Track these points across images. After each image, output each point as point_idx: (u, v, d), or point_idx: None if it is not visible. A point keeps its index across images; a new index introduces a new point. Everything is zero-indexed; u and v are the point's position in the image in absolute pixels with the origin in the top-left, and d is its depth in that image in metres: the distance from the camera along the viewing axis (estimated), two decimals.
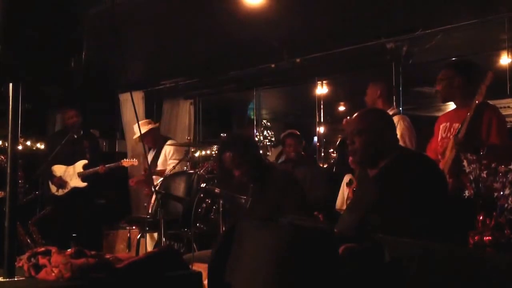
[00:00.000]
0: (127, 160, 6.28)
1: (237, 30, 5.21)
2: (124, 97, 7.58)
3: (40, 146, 6.92)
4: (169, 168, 5.56)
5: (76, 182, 5.93)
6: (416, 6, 4.68)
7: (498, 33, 5.11)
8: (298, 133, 5.53)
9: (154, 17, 5.08)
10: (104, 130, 7.75)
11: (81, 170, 5.95)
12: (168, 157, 5.79)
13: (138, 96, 7.47)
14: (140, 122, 5.96)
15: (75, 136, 5.94)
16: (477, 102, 3.10)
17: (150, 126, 5.99)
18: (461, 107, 3.42)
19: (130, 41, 5.82)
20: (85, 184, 5.93)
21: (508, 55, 6.01)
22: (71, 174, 5.95)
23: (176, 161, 5.60)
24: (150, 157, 5.98)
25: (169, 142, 5.95)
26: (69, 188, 5.93)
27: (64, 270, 2.01)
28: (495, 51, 5.83)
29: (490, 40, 5.36)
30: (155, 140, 5.98)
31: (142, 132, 5.73)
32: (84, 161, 5.96)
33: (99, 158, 6.17)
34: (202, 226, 3.87)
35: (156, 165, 5.84)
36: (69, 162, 5.98)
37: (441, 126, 3.56)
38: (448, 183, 2.98)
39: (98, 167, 5.88)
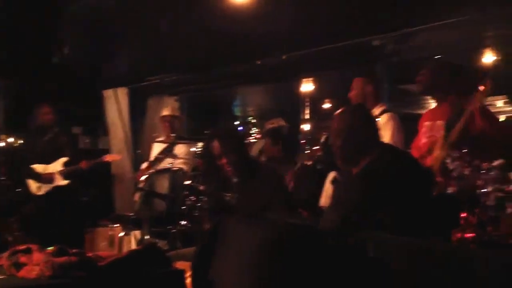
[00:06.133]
0: (110, 155, 6.23)
1: (223, 27, 5.18)
2: (108, 94, 7.50)
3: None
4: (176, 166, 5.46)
5: (57, 180, 5.87)
6: (402, 3, 4.70)
7: (483, 31, 5.15)
8: (282, 122, 5.47)
9: (139, 13, 5.04)
10: (86, 127, 7.68)
11: (62, 167, 5.89)
12: (178, 155, 5.67)
13: (123, 92, 7.40)
14: (169, 107, 6.18)
15: (50, 135, 5.87)
16: (471, 109, 3.09)
17: (177, 112, 6.06)
18: (441, 102, 3.46)
19: (115, 37, 5.78)
20: (67, 181, 5.87)
21: (492, 54, 6.07)
22: (52, 172, 5.88)
23: (184, 161, 5.53)
24: (158, 149, 5.88)
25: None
26: (50, 186, 5.87)
27: (45, 268, 1.99)
28: (480, 49, 5.87)
29: (475, 38, 5.39)
30: (174, 129, 5.89)
31: (170, 113, 5.86)
32: (64, 159, 5.89)
33: (79, 154, 6.11)
34: (186, 223, 3.85)
35: (161, 159, 5.76)
36: (47, 160, 5.90)
37: (424, 124, 3.58)
38: (432, 180, 3.00)
39: (79, 164, 5.82)
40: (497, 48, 5.80)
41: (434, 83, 3.48)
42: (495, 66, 5.53)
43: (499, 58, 6.28)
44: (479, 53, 6.14)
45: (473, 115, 3.09)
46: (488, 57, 6.36)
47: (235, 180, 3.44)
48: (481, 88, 3.08)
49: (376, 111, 4.09)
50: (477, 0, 4.42)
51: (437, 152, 3.21)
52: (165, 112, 5.94)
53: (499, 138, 3.17)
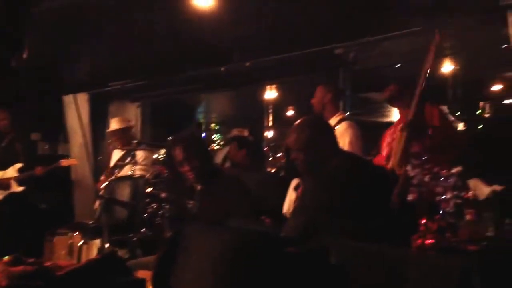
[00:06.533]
0: (66, 159, 6.11)
1: (187, 32, 5.16)
2: (68, 99, 7.36)
3: None
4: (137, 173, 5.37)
5: (13, 187, 5.72)
6: (364, 12, 4.76)
7: (442, 41, 5.26)
8: (246, 133, 5.48)
9: (101, 17, 4.97)
10: (46, 133, 7.51)
11: (16, 174, 5.75)
12: (138, 162, 5.57)
13: (83, 98, 7.28)
14: (116, 118, 5.95)
15: (7, 141, 5.75)
16: (427, 67, 3.19)
17: (125, 124, 5.87)
18: (403, 109, 3.55)
19: (76, 42, 5.68)
20: (22, 188, 5.73)
21: (450, 63, 6.22)
22: (8, 178, 5.74)
23: (145, 168, 5.44)
24: (117, 156, 5.79)
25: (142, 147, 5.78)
26: (5, 193, 5.72)
27: (1, 278, 1.93)
28: (438, 58, 6.01)
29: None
30: (126, 140, 5.76)
31: (117, 127, 5.69)
32: (19, 164, 5.77)
33: (35, 160, 5.98)
34: (147, 231, 3.81)
35: (121, 167, 5.65)
36: (4, 167, 5.77)
37: (387, 135, 3.65)
38: (391, 186, 3.05)
39: (34, 170, 5.70)
40: (455, 58, 5.97)
41: (402, 93, 3.56)
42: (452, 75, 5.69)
43: (457, 67, 6.47)
44: (437, 62, 6.30)
45: (420, 106, 3.19)
46: (446, 67, 6.55)
47: (197, 187, 3.41)
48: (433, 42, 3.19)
49: (335, 119, 4.15)
50: (436, 11, 4.52)
51: (395, 149, 3.27)
52: (112, 127, 5.81)
53: (453, 138, 3.29)
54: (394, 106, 3.77)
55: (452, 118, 6.91)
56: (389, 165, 3.33)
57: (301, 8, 4.79)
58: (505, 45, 4.03)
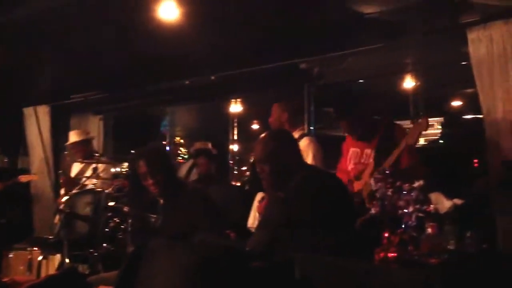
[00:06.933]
0: (25, 175, 5.97)
1: (151, 45, 5.12)
2: (29, 112, 7.21)
3: None
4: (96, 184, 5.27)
5: None
6: (328, 28, 4.82)
7: (404, 57, 5.38)
8: (210, 146, 5.47)
9: (63, 29, 4.89)
10: (5, 145, 7.33)
11: None
12: (97, 173, 5.47)
13: (44, 110, 7.14)
14: (75, 131, 5.88)
15: None
16: (407, 143, 3.19)
17: (84, 136, 5.77)
18: (364, 142, 3.55)
19: (37, 53, 5.57)
20: None
21: (411, 79, 6.36)
22: None
23: (105, 181, 5.34)
24: (77, 169, 5.69)
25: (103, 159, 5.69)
26: None
27: None
28: (401, 74, 6.14)
29: (396, 64, 5.62)
30: (86, 153, 5.67)
31: (76, 140, 5.60)
32: None
33: None
34: (109, 246, 3.73)
35: (81, 179, 5.55)
36: None
37: (351, 150, 3.65)
38: (353, 199, 3.08)
39: None
40: (417, 74, 6.10)
41: (357, 128, 3.56)
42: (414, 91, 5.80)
43: (418, 83, 6.62)
44: (399, 78, 6.44)
45: (403, 152, 3.20)
46: (408, 82, 6.71)
47: (161, 201, 3.36)
48: (419, 127, 3.20)
49: (295, 135, 4.17)
50: (399, 29, 4.61)
51: (367, 180, 3.28)
52: (70, 140, 5.75)
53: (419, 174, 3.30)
54: (354, 134, 3.67)
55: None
56: (359, 186, 3.36)
57: (266, 22, 4.81)
58: (465, 62, 4.13)
